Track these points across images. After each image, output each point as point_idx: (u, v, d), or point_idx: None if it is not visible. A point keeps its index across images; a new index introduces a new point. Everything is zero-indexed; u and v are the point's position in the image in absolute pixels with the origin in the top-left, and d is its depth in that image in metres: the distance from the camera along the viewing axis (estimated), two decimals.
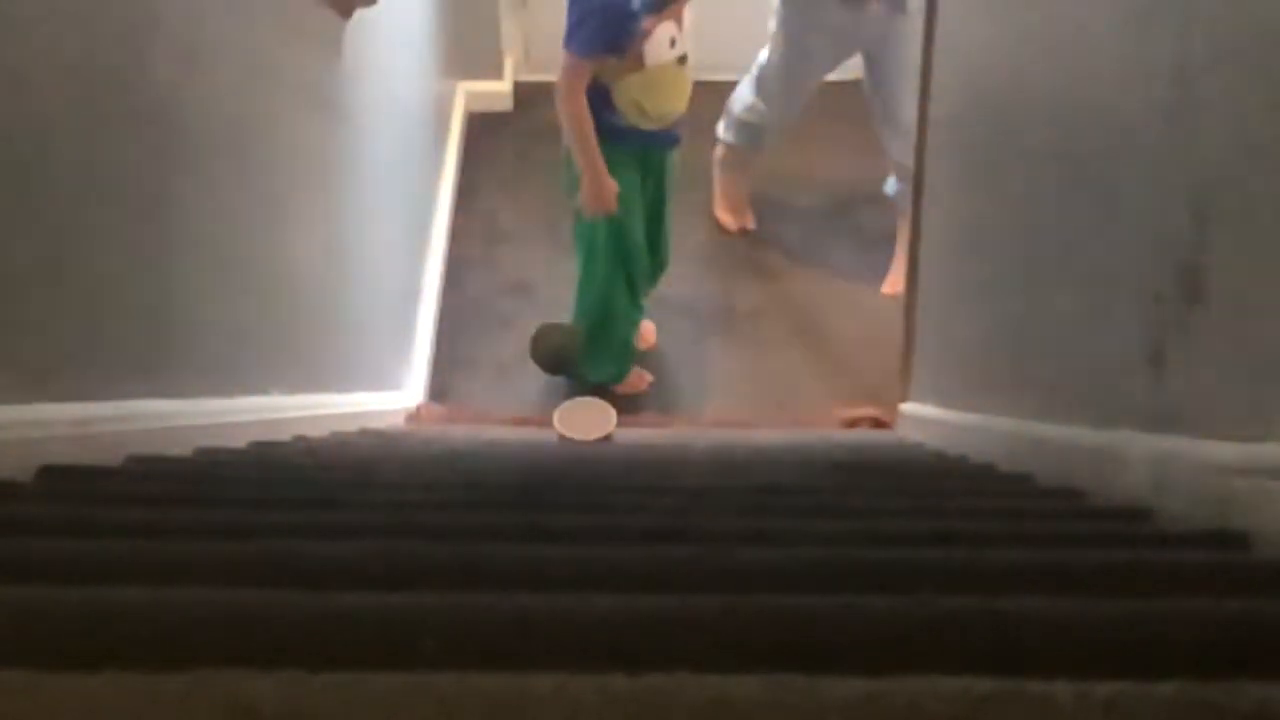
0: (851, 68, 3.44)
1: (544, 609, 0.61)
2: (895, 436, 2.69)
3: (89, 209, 1.29)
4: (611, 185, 2.83)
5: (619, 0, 2.62)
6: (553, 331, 3.30)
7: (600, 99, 2.77)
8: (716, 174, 3.77)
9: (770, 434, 2.88)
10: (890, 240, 3.56)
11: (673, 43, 2.71)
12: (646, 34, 2.66)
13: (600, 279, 3.08)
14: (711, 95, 3.55)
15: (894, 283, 3.46)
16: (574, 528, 0.95)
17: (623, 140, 2.82)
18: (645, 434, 2.83)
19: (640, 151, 2.91)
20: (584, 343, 3.21)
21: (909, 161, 3.42)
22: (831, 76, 3.53)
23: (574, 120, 2.76)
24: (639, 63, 2.70)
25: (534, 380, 3.42)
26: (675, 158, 3.09)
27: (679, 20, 2.71)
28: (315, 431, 2.04)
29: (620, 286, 3.10)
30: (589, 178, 2.82)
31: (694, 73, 3.14)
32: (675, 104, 2.84)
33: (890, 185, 3.52)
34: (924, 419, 2.41)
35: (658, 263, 3.23)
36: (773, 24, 3.31)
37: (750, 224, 3.82)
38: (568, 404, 2.74)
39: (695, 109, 3.89)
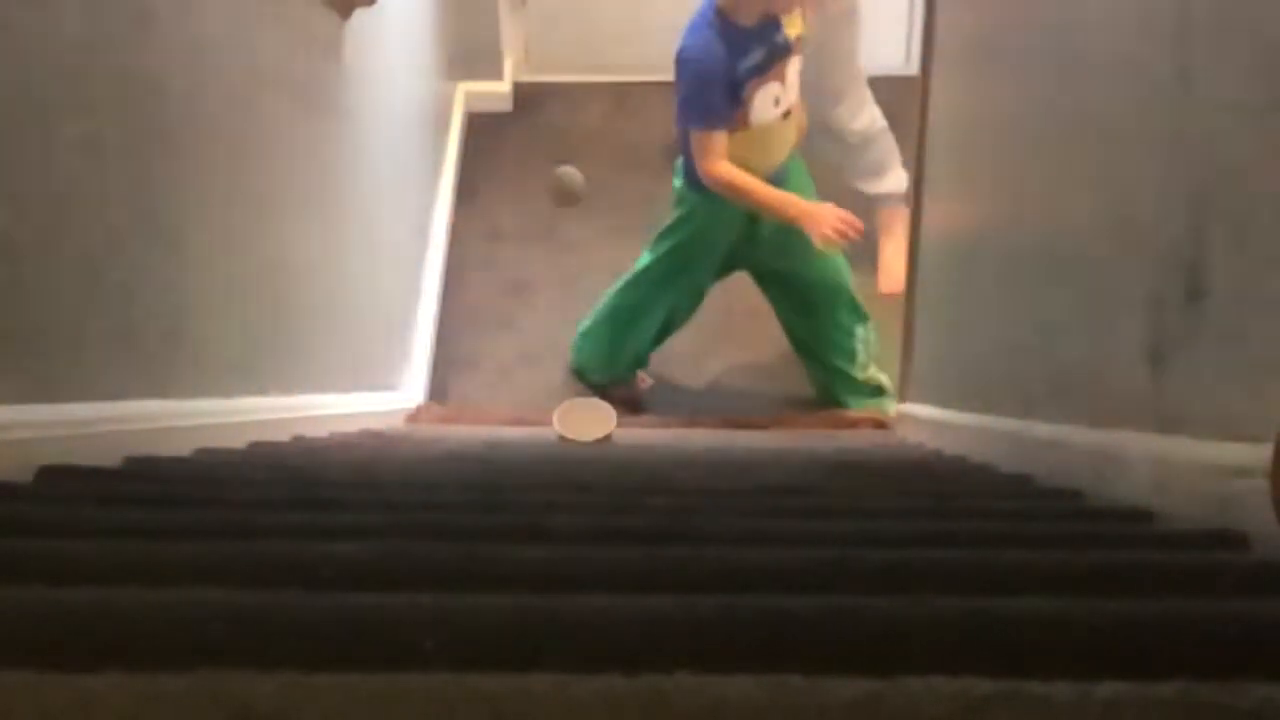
0: None
1: (544, 609, 0.61)
2: (895, 436, 2.69)
3: (87, 211, 1.29)
4: (826, 208, 2.76)
5: (725, 68, 2.64)
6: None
7: (689, 148, 2.78)
8: None
9: (770, 434, 2.88)
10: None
11: (777, 101, 2.72)
12: (752, 96, 2.68)
13: (635, 297, 3.10)
14: None
15: (887, 281, 3.48)
16: (573, 528, 0.95)
17: (698, 190, 2.83)
18: (645, 434, 2.82)
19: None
20: (587, 334, 3.23)
21: (841, 164, 3.44)
22: None
23: (735, 189, 2.75)
24: (745, 123, 2.71)
25: (534, 380, 3.42)
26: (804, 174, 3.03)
27: (782, 78, 2.71)
28: (315, 432, 2.04)
29: (648, 315, 3.12)
30: (802, 222, 2.77)
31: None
32: (777, 157, 2.85)
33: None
34: (924, 419, 2.41)
35: (827, 289, 3.08)
36: None
37: None
38: (567, 404, 2.74)
39: None
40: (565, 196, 2.85)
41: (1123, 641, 0.60)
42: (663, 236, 3.04)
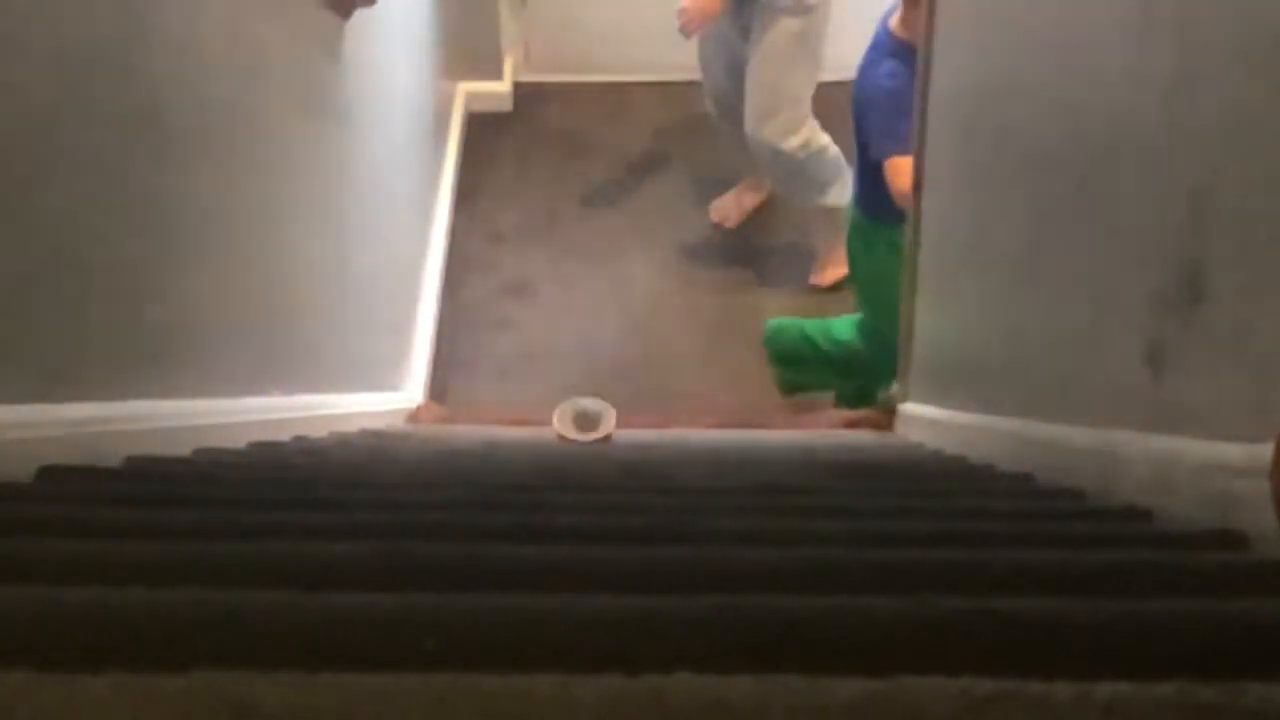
0: (830, 69, 3.43)
1: (544, 609, 0.61)
2: (895, 436, 2.69)
3: (87, 210, 1.29)
4: None
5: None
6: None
7: (882, 185, 2.75)
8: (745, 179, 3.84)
9: (770, 434, 2.88)
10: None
11: None
12: None
13: (860, 357, 3.04)
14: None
15: (822, 275, 3.55)
16: (574, 528, 0.95)
17: (900, 220, 2.82)
18: (645, 434, 2.82)
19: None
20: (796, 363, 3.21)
21: (759, 168, 3.43)
22: (824, 78, 3.53)
23: None
24: None
25: (534, 380, 3.42)
26: None
27: None
28: (315, 432, 2.04)
29: (828, 370, 3.10)
30: None
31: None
32: None
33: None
34: (924, 419, 2.41)
35: None
36: None
37: (730, 223, 3.83)
38: (567, 404, 2.74)
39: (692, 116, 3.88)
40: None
41: (1123, 641, 0.60)
42: (874, 300, 2.94)
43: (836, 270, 3.56)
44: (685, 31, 3.23)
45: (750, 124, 3.32)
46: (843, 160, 3.44)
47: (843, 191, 3.45)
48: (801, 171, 3.37)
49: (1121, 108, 1.28)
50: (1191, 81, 1.09)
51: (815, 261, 3.65)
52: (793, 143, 3.30)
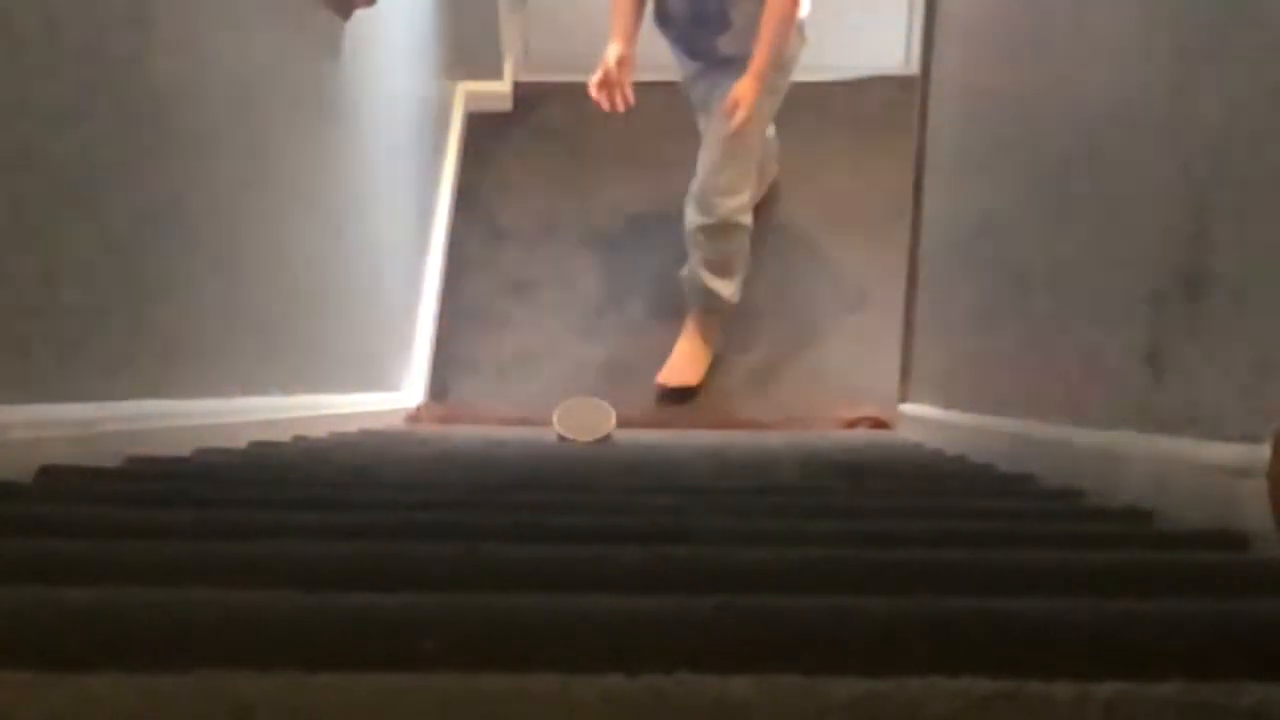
0: (830, 69, 3.40)
1: (544, 609, 0.61)
2: (895, 436, 2.69)
3: (87, 210, 1.29)
4: None
5: None
6: None
7: None
8: None
9: (770, 434, 2.88)
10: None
11: None
12: None
13: None
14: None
15: (668, 373, 3.35)
16: (573, 528, 0.95)
17: None
18: (645, 434, 2.82)
19: None
20: None
21: (691, 240, 3.26)
22: (824, 78, 3.52)
23: None
24: None
25: (534, 380, 3.42)
26: None
27: None
28: (315, 432, 2.04)
29: None
30: None
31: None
32: None
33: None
34: (924, 419, 2.41)
35: None
36: None
37: None
38: (567, 404, 2.74)
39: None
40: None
41: (1123, 641, 0.60)
42: None
43: (687, 373, 3.36)
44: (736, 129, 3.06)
45: (699, 173, 3.22)
46: (748, 262, 3.32)
47: (734, 291, 3.32)
48: (714, 239, 3.22)
49: (1122, 108, 1.28)
50: (1192, 81, 1.09)
51: (672, 357, 3.40)
52: (731, 204, 3.17)
